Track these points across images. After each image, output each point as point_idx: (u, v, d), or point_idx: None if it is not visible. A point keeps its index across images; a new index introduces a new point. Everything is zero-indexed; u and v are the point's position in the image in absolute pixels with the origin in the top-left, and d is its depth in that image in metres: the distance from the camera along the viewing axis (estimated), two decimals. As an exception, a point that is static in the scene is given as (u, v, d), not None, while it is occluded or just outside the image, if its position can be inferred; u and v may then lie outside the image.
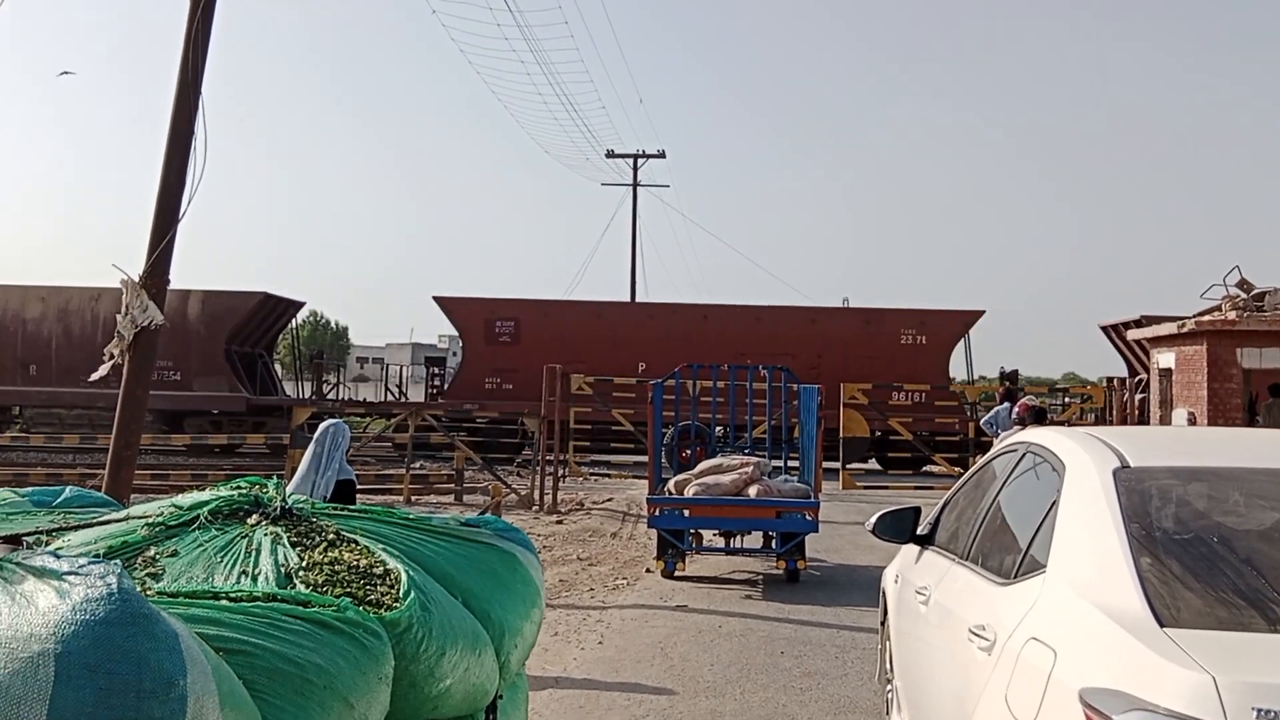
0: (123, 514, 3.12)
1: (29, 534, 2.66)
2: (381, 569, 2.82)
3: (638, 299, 33.34)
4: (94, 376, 7.55)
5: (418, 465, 18.98)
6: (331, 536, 2.98)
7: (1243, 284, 14.58)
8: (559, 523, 13.56)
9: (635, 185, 36.38)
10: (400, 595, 2.69)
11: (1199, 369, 14.14)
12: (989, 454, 4.52)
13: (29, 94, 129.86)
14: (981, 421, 14.64)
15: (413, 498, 15.68)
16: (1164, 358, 15.56)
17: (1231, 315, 14.06)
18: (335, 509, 3.31)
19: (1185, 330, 14.44)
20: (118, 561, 1.98)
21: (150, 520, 2.91)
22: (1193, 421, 13.84)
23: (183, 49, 7.61)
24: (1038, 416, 10.76)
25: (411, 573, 2.80)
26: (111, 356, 7.39)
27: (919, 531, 4.55)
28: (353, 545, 2.95)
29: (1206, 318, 14.34)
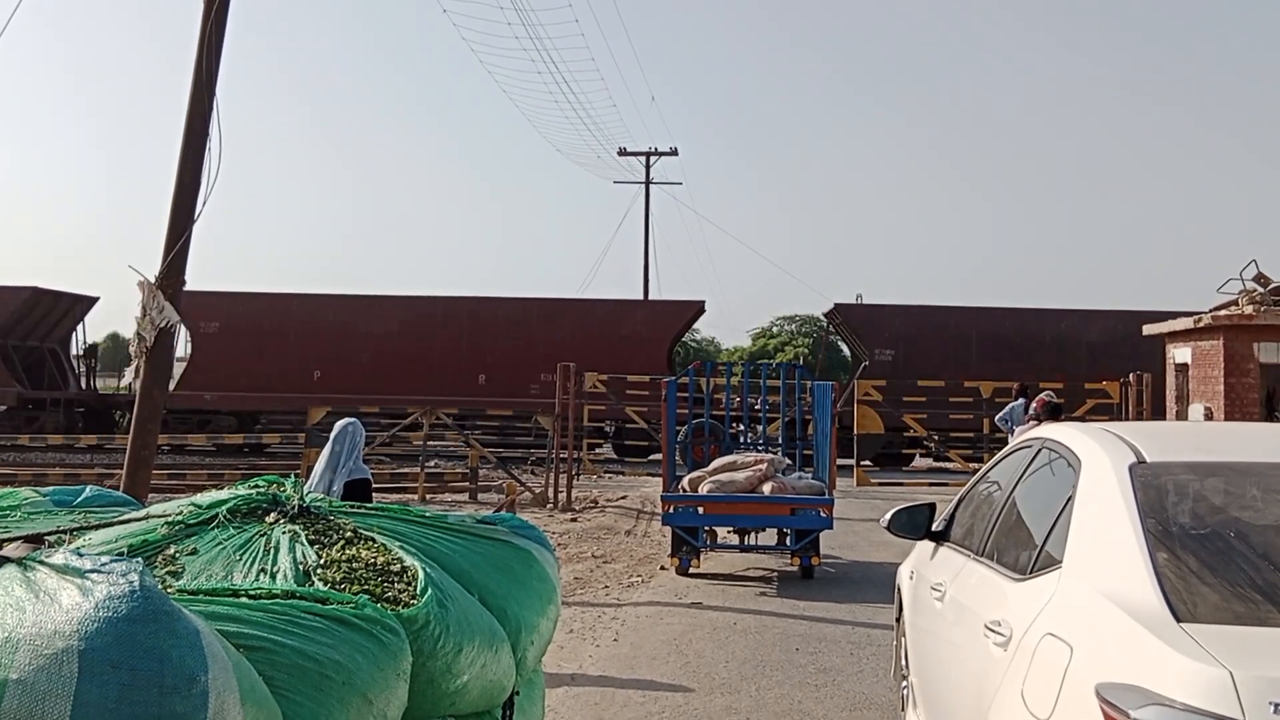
0: (142, 513, 3.15)
1: (51, 533, 2.69)
2: (399, 566, 2.85)
3: (650, 296, 33.36)
4: (124, 381, 7.61)
5: (432, 463, 19.05)
6: (349, 534, 3.01)
7: (1260, 278, 14.47)
8: (573, 520, 13.59)
9: (648, 183, 36.40)
10: (418, 592, 2.71)
11: (1215, 364, 14.05)
12: (1005, 450, 4.51)
13: (60, 91, 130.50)
14: (996, 418, 14.60)
15: (427, 496, 15.73)
16: (1180, 353, 15.47)
17: (1248, 310, 13.97)
18: (353, 507, 3.34)
19: (1201, 325, 14.36)
20: (139, 559, 2.00)
21: (170, 519, 2.94)
22: (1209, 417, 13.77)
23: (197, 51, 7.66)
24: (1053, 412, 10.71)
25: (429, 570, 2.82)
26: (135, 358, 7.45)
27: (934, 528, 4.55)
28: (370, 543, 2.97)
29: (1223, 312, 14.25)
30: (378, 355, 23.90)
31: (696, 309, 25.53)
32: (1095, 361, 21.89)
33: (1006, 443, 10.03)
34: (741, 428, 12.06)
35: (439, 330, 24.27)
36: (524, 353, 23.43)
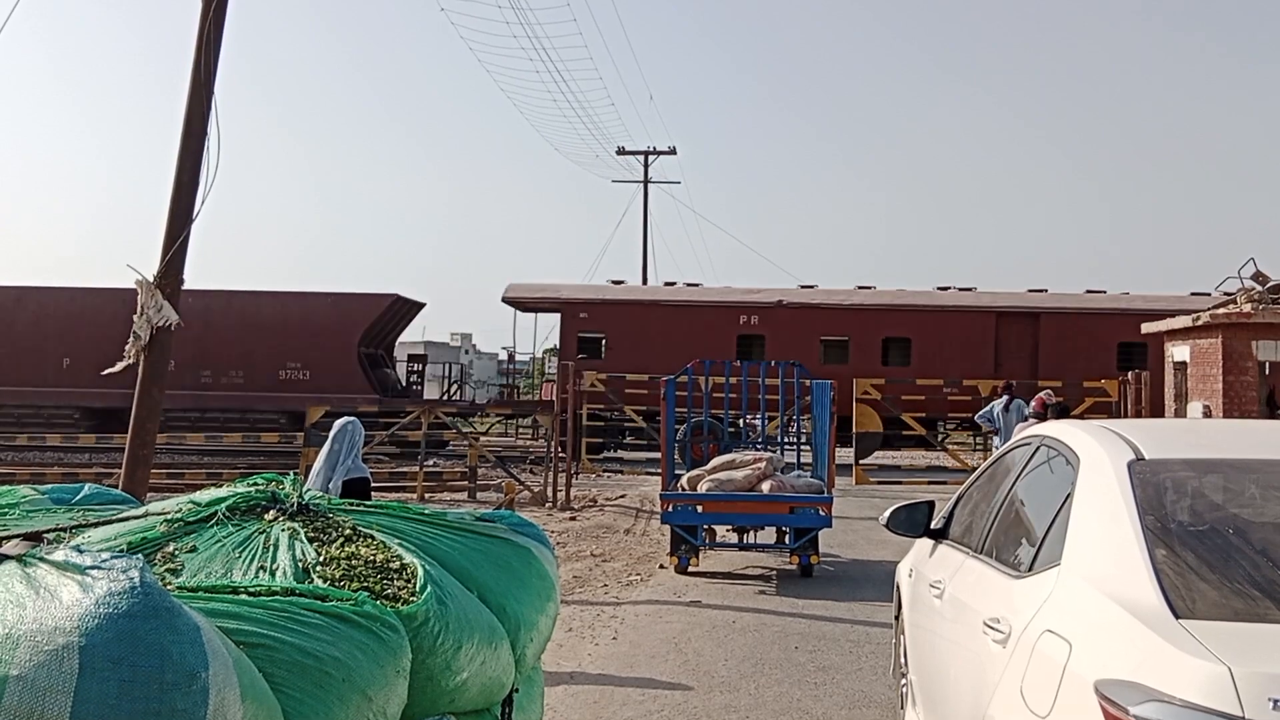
0: (141, 511, 3.15)
1: (50, 530, 2.69)
2: (398, 563, 2.85)
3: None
4: (108, 371, 7.64)
5: (431, 463, 19.03)
6: (348, 532, 3.00)
7: (1258, 276, 14.47)
8: (572, 519, 13.59)
9: (646, 182, 36.38)
10: (417, 589, 2.71)
11: (1214, 362, 14.06)
12: (1004, 447, 4.52)
13: (56, 96, 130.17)
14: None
15: (426, 495, 15.72)
16: (1178, 351, 15.48)
17: (1247, 308, 13.98)
18: (352, 505, 3.34)
19: (1200, 323, 14.37)
20: (140, 556, 2.00)
21: (169, 516, 2.94)
22: (1208, 415, 13.77)
23: (195, 50, 7.66)
24: (1060, 412, 10.66)
25: (428, 567, 2.82)
26: (127, 356, 7.45)
27: (933, 525, 4.55)
28: (369, 540, 2.97)
29: (1221, 310, 14.26)
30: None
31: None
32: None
33: None
34: (741, 424, 12.05)
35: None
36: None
